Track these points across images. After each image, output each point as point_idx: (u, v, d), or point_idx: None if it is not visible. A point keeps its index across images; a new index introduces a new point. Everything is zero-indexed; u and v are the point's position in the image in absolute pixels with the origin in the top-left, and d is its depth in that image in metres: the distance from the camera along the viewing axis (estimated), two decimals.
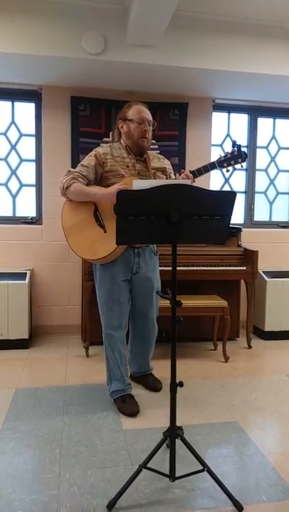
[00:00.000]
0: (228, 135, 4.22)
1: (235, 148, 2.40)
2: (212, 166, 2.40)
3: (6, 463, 1.91)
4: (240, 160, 2.40)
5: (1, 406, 2.45)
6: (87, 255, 2.35)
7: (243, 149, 2.41)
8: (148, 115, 2.39)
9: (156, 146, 3.80)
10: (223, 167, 2.42)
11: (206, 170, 2.39)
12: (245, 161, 2.43)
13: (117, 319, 2.43)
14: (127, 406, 2.39)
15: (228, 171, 2.46)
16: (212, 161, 2.43)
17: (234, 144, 2.42)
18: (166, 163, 2.56)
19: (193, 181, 2.34)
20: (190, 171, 2.36)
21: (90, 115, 3.81)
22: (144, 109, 2.39)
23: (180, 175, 2.35)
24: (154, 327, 2.65)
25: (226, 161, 2.40)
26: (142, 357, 2.72)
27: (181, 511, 1.62)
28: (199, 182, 2.35)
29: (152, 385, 2.70)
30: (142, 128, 2.36)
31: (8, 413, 2.37)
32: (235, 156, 2.40)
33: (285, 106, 4.18)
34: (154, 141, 3.80)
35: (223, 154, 2.42)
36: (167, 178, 2.52)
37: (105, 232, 2.30)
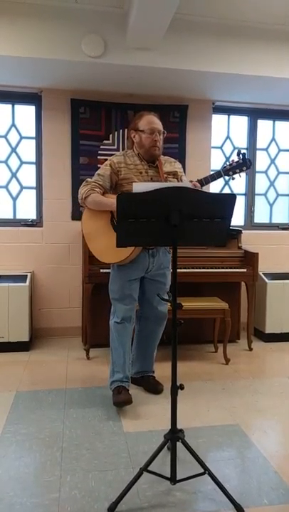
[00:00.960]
0: (228, 137, 4.23)
1: (240, 157, 2.52)
2: (218, 175, 2.51)
3: (7, 466, 1.91)
4: (244, 168, 2.53)
5: (1, 409, 2.44)
6: (107, 259, 2.49)
7: (247, 157, 2.54)
8: (158, 125, 2.50)
9: None
10: (229, 175, 2.54)
11: (213, 178, 2.50)
12: (250, 168, 2.55)
13: (130, 311, 2.54)
14: (121, 396, 2.43)
15: (233, 178, 2.58)
16: (218, 169, 2.55)
17: (239, 152, 2.54)
18: (177, 167, 2.64)
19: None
20: (197, 180, 2.46)
21: (90, 118, 3.81)
22: (155, 120, 2.51)
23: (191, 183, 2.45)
24: (162, 325, 2.71)
25: (232, 170, 2.53)
26: (147, 356, 2.76)
27: None
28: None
29: (153, 387, 2.71)
30: (153, 138, 2.47)
31: (9, 416, 2.37)
32: (240, 164, 2.52)
33: (285, 108, 4.18)
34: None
35: (228, 163, 2.54)
36: (178, 181, 2.59)
37: None
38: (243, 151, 2.55)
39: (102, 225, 2.50)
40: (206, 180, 2.48)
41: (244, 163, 2.52)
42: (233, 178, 2.57)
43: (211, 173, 2.55)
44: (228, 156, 4.22)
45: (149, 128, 2.47)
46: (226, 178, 2.58)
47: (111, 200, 2.41)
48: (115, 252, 2.36)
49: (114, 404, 2.43)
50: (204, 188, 2.48)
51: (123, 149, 3.70)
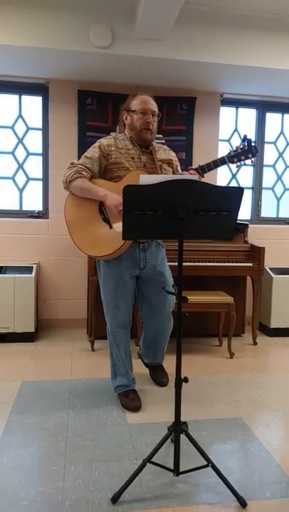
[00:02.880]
0: (235, 130, 4.19)
1: (246, 143, 2.32)
2: (222, 161, 2.34)
3: (12, 455, 1.93)
4: (250, 155, 2.34)
5: (7, 399, 2.47)
6: (93, 252, 2.27)
7: (253, 144, 2.35)
8: (152, 106, 2.29)
9: (164, 141, 3.77)
10: (233, 162, 2.34)
11: (216, 165, 2.33)
12: (255, 156, 2.36)
13: (123, 316, 2.39)
14: (129, 401, 2.39)
15: (237, 166, 2.39)
16: (221, 156, 2.37)
17: (244, 138, 2.34)
18: (172, 155, 2.47)
19: (203, 177, 2.31)
20: (199, 166, 2.30)
21: (97, 109, 3.79)
22: (149, 100, 2.29)
23: (188, 172, 2.30)
24: (169, 322, 2.58)
25: (236, 156, 2.34)
26: (154, 349, 2.68)
27: (184, 506, 1.63)
28: (206, 177, 2.34)
29: (159, 379, 2.70)
30: (145, 119, 2.26)
31: (15, 406, 2.39)
32: (246, 151, 2.33)
33: None
34: (161, 136, 3.78)
35: (233, 149, 2.36)
36: (174, 171, 2.44)
37: (111, 227, 2.24)
38: (249, 137, 2.36)
39: (87, 214, 2.26)
40: (208, 167, 2.29)
41: (250, 150, 2.32)
42: (238, 166, 2.39)
43: (214, 159, 2.35)
44: (235, 146, 4.18)
45: (142, 108, 2.25)
46: (230, 165, 2.37)
47: (101, 189, 2.21)
48: (101, 245, 2.20)
49: (123, 407, 2.38)
50: (208, 176, 2.34)
51: None
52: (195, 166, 2.41)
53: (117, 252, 2.22)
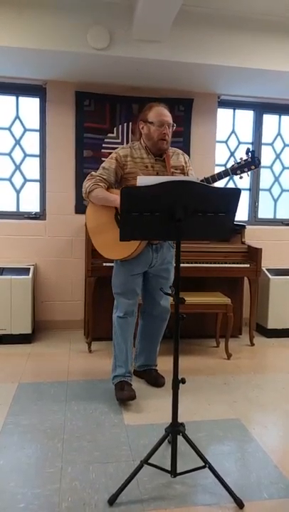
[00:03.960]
0: (233, 131, 4.20)
1: (250, 155, 2.43)
2: (226, 173, 2.44)
3: (8, 457, 1.92)
4: (252, 167, 2.45)
5: (4, 400, 2.46)
6: (111, 255, 2.49)
7: (256, 156, 2.45)
8: (168, 117, 2.43)
9: None
10: (236, 174, 2.46)
11: (220, 177, 2.43)
12: (258, 167, 2.47)
13: (132, 305, 2.54)
14: (125, 392, 2.44)
15: (241, 177, 2.49)
16: (226, 168, 2.49)
17: (248, 151, 2.46)
18: (183, 160, 2.58)
19: None
20: (204, 178, 2.41)
21: (95, 110, 3.79)
22: (165, 112, 2.43)
23: None
24: (165, 322, 2.71)
25: (240, 168, 2.44)
26: (151, 350, 2.77)
27: (182, 507, 1.63)
28: None
29: (155, 380, 2.72)
30: (162, 131, 2.40)
31: (11, 407, 2.38)
32: (249, 163, 2.44)
33: None
34: None
35: (237, 161, 2.46)
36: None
37: None
38: (252, 149, 2.49)
39: (106, 221, 2.47)
40: (212, 179, 2.41)
41: (252, 162, 2.44)
42: (241, 177, 2.50)
43: (218, 171, 2.47)
44: (232, 150, 4.19)
45: (159, 120, 2.40)
46: (234, 176, 2.51)
47: (115, 196, 2.39)
48: (120, 249, 2.36)
49: (118, 400, 2.44)
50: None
51: (127, 143, 3.68)
52: (192, 167, 2.44)
53: (133, 254, 2.39)
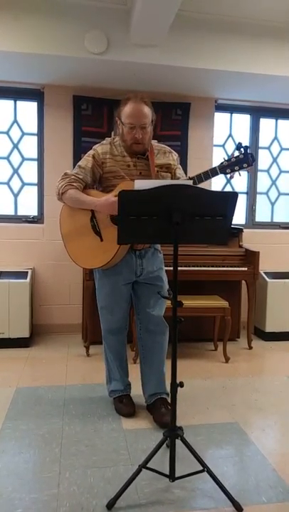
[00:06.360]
0: (230, 135, 4.22)
1: (242, 151, 2.09)
2: (213, 173, 2.10)
3: (6, 461, 1.91)
4: (245, 165, 2.08)
5: (1, 405, 2.45)
6: (85, 264, 2.28)
7: (249, 152, 2.11)
8: (141, 118, 2.10)
9: None
10: (226, 173, 2.12)
11: (207, 177, 2.10)
12: (252, 165, 2.10)
13: (117, 322, 2.35)
14: (123, 407, 2.38)
15: (231, 177, 2.17)
16: (213, 166, 2.15)
17: (239, 145, 2.10)
18: (171, 158, 2.31)
19: None
20: (189, 178, 2.14)
21: (93, 115, 3.81)
22: (138, 112, 2.09)
23: None
24: (164, 336, 2.38)
25: (230, 167, 2.10)
26: (156, 373, 2.39)
27: (180, 511, 1.62)
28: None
29: (159, 419, 2.25)
30: (133, 134, 2.12)
31: (9, 412, 2.37)
32: (241, 160, 2.08)
33: (288, 107, 4.17)
34: (155, 141, 3.79)
35: (226, 158, 2.13)
36: (172, 176, 2.29)
37: (102, 240, 2.19)
38: (244, 144, 2.11)
39: (81, 225, 2.22)
40: (198, 178, 2.08)
41: (245, 159, 2.07)
42: (231, 177, 2.15)
43: (205, 170, 2.11)
44: (230, 154, 4.20)
45: (129, 122, 2.10)
46: (224, 176, 2.14)
47: (90, 198, 2.17)
48: (97, 255, 2.17)
49: (116, 412, 2.38)
50: (203, 186, 2.14)
51: None
52: (189, 172, 2.35)
53: (111, 262, 2.17)
